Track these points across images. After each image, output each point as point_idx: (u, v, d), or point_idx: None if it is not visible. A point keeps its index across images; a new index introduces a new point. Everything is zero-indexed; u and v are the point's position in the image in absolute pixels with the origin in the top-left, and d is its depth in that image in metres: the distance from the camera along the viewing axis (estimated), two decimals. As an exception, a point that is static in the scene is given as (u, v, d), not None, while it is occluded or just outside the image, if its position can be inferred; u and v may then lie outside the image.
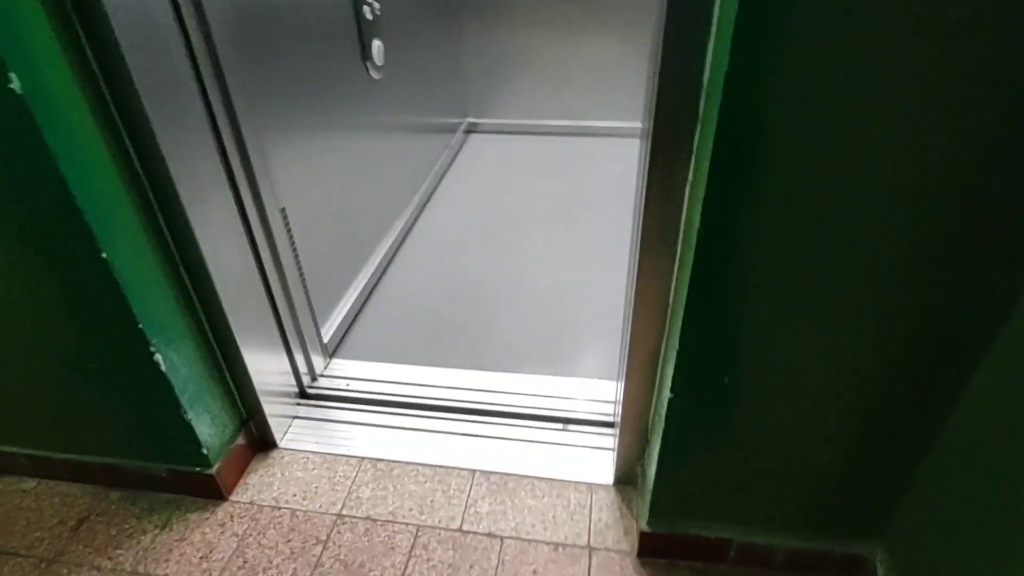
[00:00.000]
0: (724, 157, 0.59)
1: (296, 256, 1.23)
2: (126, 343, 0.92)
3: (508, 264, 1.74)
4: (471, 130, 2.56)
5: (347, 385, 1.32)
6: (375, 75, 1.56)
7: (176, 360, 0.97)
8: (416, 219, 1.97)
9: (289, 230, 1.19)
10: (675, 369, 0.75)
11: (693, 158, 0.71)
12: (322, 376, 1.35)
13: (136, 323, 0.89)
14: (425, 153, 2.07)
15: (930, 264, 0.63)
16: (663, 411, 0.81)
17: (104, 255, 0.82)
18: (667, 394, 0.79)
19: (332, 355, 1.42)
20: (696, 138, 0.70)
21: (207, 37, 0.92)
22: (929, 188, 0.58)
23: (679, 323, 0.73)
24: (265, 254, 1.12)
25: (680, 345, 0.73)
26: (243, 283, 1.07)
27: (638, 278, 0.84)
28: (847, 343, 0.70)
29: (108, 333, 0.92)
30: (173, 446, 1.06)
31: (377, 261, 1.68)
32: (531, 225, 1.91)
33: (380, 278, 1.70)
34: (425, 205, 2.05)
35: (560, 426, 1.20)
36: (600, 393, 1.25)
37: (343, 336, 1.49)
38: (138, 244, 0.88)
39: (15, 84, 0.69)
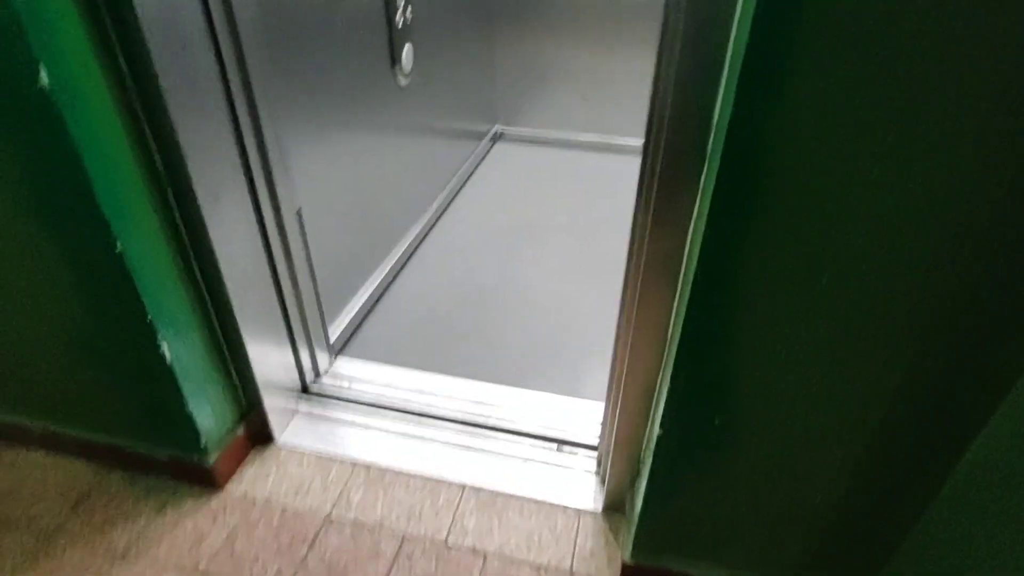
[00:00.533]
0: (724, 200, 0.59)
1: (308, 255, 1.24)
2: (134, 332, 0.94)
3: (522, 276, 1.74)
4: (498, 138, 2.57)
5: (349, 385, 1.34)
6: (403, 81, 1.57)
7: (181, 351, 1.00)
8: (434, 224, 1.98)
9: (303, 230, 1.21)
10: (665, 406, 0.74)
11: (699, 195, 0.70)
12: (325, 374, 1.37)
13: (145, 314, 0.92)
14: (449, 158, 2.09)
15: (935, 315, 0.61)
16: (652, 445, 0.80)
17: (119, 248, 0.85)
18: (657, 430, 0.78)
19: (338, 354, 1.44)
20: (703, 177, 0.69)
21: (235, 39, 0.94)
22: (933, 243, 0.57)
23: (673, 359, 0.72)
24: (278, 252, 1.14)
25: (671, 382, 0.72)
26: (253, 280, 1.09)
27: (638, 308, 0.83)
28: (844, 393, 0.68)
29: (117, 320, 0.94)
30: (173, 434, 1.08)
31: (391, 264, 1.70)
32: (550, 238, 1.91)
33: (393, 281, 1.72)
34: (445, 210, 2.06)
35: (554, 447, 1.19)
36: (597, 417, 1.24)
37: (351, 336, 1.51)
38: (152, 237, 0.91)
39: (43, 78, 0.71)
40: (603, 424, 1.11)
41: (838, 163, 0.54)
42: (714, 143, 0.64)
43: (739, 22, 0.57)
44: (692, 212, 0.72)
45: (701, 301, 0.65)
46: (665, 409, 0.74)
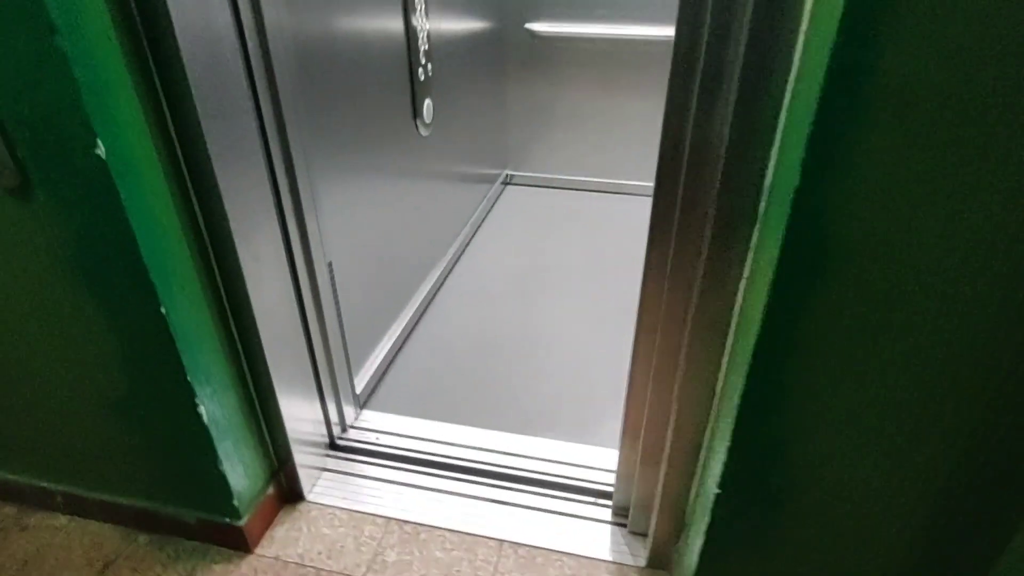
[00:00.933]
0: (790, 268, 0.59)
1: (338, 309, 1.24)
2: (172, 393, 0.93)
3: (541, 321, 1.74)
4: (509, 181, 2.60)
5: (376, 439, 1.32)
6: (424, 132, 1.60)
7: (217, 412, 0.98)
8: (451, 271, 1.99)
9: (334, 283, 1.21)
10: (724, 466, 0.73)
11: (751, 255, 0.71)
12: (352, 428, 1.35)
13: (185, 376, 0.91)
14: (464, 204, 2.11)
15: (1003, 380, 0.61)
16: (708, 505, 0.79)
17: (163, 310, 0.84)
18: (713, 488, 0.77)
19: (363, 406, 1.42)
20: (754, 237, 0.70)
21: (275, 102, 0.96)
22: (1003, 307, 0.57)
23: (731, 418, 0.71)
24: (309, 306, 1.14)
25: (732, 442, 0.71)
26: (287, 335, 1.09)
27: (685, 362, 0.83)
28: (908, 453, 0.68)
29: (156, 382, 0.93)
30: (205, 495, 1.06)
31: (412, 312, 1.70)
32: (566, 282, 1.92)
33: (413, 329, 1.71)
34: (460, 256, 2.07)
35: (591, 499, 1.17)
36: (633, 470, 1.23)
37: (375, 387, 1.49)
38: (194, 299, 0.91)
39: (100, 150, 0.72)
40: (618, 475, 1.09)
41: (905, 230, 0.55)
42: (770, 205, 0.65)
43: (797, 94, 0.59)
44: (743, 271, 0.73)
45: (764, 364, 0.65)
46: (724, 469, 0.73)
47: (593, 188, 2.52)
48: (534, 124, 2.46)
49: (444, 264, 1.94)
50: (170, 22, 0.74)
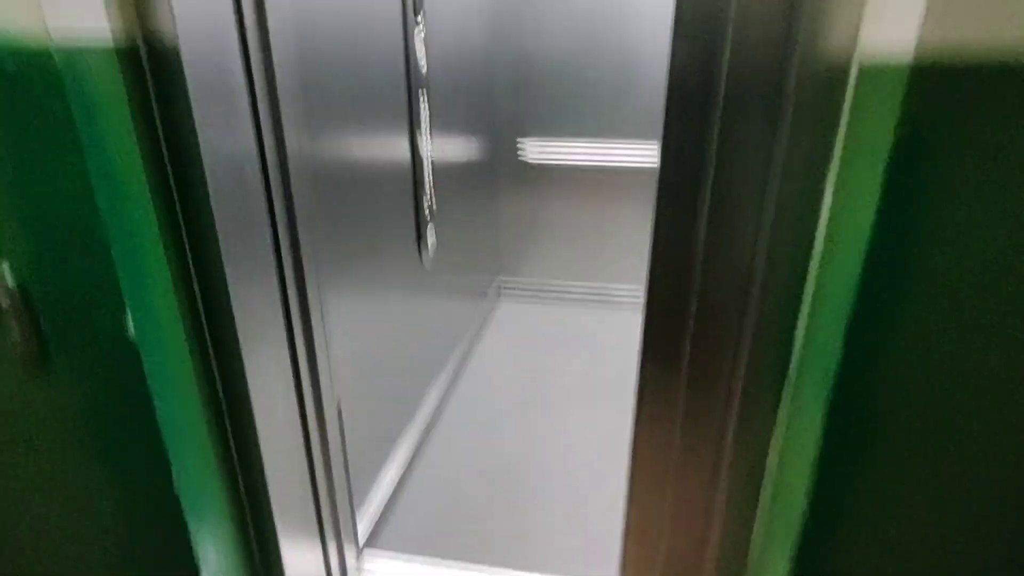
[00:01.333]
0: (835, 438, 0.60)
1: (344, 449, 1.20)
2: (176, 560, 0.87)
3: (544, 447, 1.70)
4: (502, 293, 2.63)
5: (381, 589, 1.24)
6: (427, 265, 1.63)
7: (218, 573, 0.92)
8: (450, 396, 1.95)
9: (342, 425, 1.18)
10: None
11: (784, 412, 0.72)
12: (353, 573, 1.27)
13: (189, 541, 0.85)
14: (460, 325, 2.10)
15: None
16: None
17: (173, 476, 0.81)
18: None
19: (365, 546, 1.35)
20: (787, 397, 0.71)
21: (297, 266, 0.97)
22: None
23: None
24: (316, 452, 1.10)
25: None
26: (293, 484, 1.04)
27: (726, 518, 0.82)
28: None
29: (160, 548, 0.88)
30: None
31: (413, 442, 1.65)
32: (565, 403, 1.90)
33: (414, 460, 1.66)
34: (458, 380, 2.04)
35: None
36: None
37: (376, 525, 1.42)
38: (205, 459, 0.87)
39: (130, 327, 0.71)
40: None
41: (952, 401, 0.56)
42: (803, 371, 0.66)
43: (829, 268, 0.61)
44: (773, 426, 0.73)
45: (811, 539, 0.64)
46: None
47: (587, 299, 2.56)
48: (527, 238, 2.53)
49: (443, 389, 1.91)
50: (208, 196, 0.75)
